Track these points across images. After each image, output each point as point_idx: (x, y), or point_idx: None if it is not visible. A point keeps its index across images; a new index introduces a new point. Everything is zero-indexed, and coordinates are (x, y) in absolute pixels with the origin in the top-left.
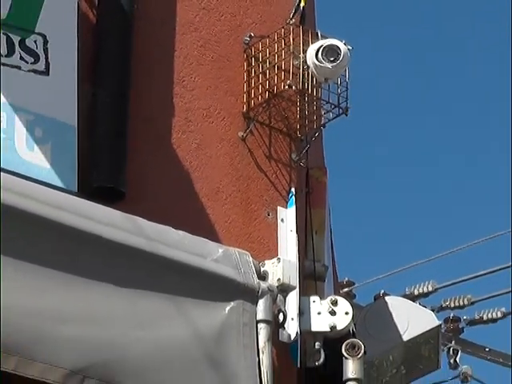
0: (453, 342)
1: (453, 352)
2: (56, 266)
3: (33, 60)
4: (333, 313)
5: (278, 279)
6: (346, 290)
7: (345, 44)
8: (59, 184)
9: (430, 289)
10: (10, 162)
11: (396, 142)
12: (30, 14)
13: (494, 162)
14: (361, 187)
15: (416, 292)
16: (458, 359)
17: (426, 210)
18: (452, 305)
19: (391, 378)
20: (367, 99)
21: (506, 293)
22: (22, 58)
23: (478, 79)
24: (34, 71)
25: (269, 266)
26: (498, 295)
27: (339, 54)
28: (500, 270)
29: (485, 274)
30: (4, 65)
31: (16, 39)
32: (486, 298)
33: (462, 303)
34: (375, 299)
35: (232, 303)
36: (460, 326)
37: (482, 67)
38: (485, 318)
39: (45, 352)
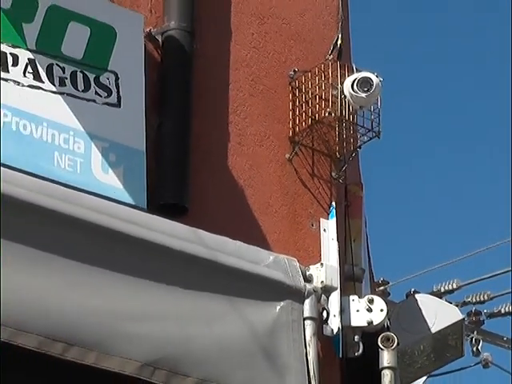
0: (475, 333)
1: (475, 341)
2: (129, 272)
3: (106, 94)
4: (369, 310)
5: (322, 281)
6: (381, 288)
7: (377, 76)
8: (131, 201)
9: (455, 286)
10: (87, 184)
11: (423, 156)
12: (103, 55)
13: None
14: (395, 198)
15: (442, 289)
16: (479, 348)
17: (448, 215)
18: (474, 300)
19: (422, 365)
20: (397, 122)
21: None
22: (96, 92)
23: None
24: (108, 104)
25: (313, 270)
26: None
27: (372, 85)
28: None
29: (502, 272)
30: (81, 98)
31: (91, 76)
32: (503, 294)
33: (482, 299)
34: (407, 296)
35: (282, 303)
36: (481, 319)
37: None
38: (502, 311)
39: (121, 347)
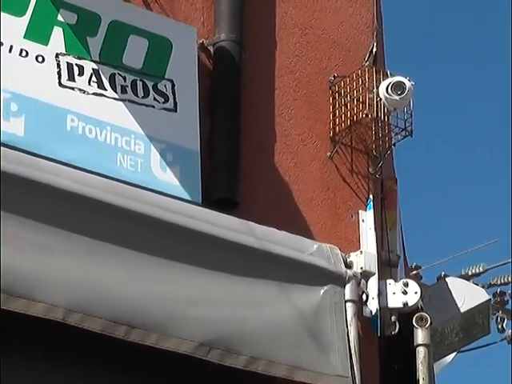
0: (500, 312)
1: (500, 320)
2: (186, 261)
3: (163, 100)
4: (405, 292)
5: (361, 267)
6: (414, 272)
7: (409, 80)
8: (187, 197)
9: (481, 270)
10: (147, 182)
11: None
12: (161, 64)
13: None
14: (426, 190)
15: (470, 273)
16: (504, 325)
17: (475, 202)
18: (499, 282)
19: (451, 342)
20: (430, 122)
21: None
22: (155, 99)
23: None
24: (165, 109)
25: (353, 257)
26: None
27: (405, 89)
28: None
29: None
30: (141, 104)
31: (150, 84)
32: None
33: (506, 280)
34: (437, 280)
35: (325, 287)
36: (505, 299)
37: None
38: None
39: (179, 329)
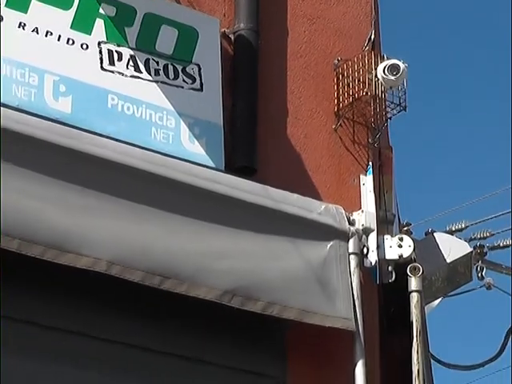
0: (480, 262)
1: (480, 269)
2: (212, 221)
3: (191, 81)
4: (400, 246)
5: (362, 224)
6: (405, 228)
7: (403, 62)
8: (212, 165)
9: (463, 226)
10: (177, 152)
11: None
12: (188, 50)
13: None
14: (419, 158)
15: (453, 228)
16: (483, 274)
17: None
18: (478, 236)
19: (438, 289)
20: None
21: None
22: (184, 80)
23: None
24: (192, 89)
25: (355, 215)
26: (510, 229)
27: (399, 70)
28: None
29: (501, 214)
30: (172, 85)
31: (179, 68)
32: (502, 231)
33: (485, 235)
34: (426, 235)
35: (331, 242)
36: (484, 251)
37: None
38: (501, 244)
39: (206, 279)
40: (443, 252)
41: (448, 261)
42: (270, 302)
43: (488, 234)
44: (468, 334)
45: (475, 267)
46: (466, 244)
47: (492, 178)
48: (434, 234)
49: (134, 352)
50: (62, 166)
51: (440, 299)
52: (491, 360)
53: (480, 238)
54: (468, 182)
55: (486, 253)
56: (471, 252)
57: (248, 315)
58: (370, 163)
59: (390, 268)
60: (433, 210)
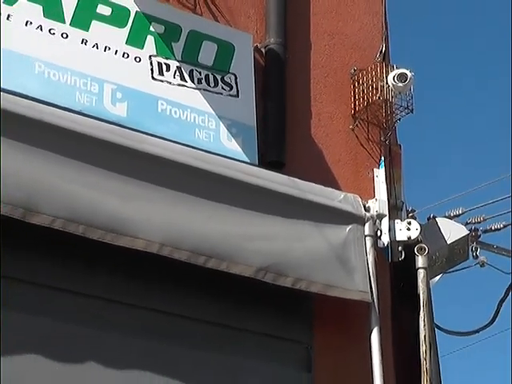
0: (474, 243)
1: (474, 249)
2: (248, 208)
3: (229, 89)
4: (408, 229)
5: (376, 211)
6: (411, 214)
7: (410, 71)
8: (247, 160)
9: (460, 212)
10: (217, 149)
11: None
12: (226, 62)
13: None
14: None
15: (452, 214)
16: (478, 253)
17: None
18: (473, 221)
19: (439, 266)
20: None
21: (506, 212)
22: (223, 87)
23: None
24: (230, 95)
25: (370, 203)
26: (501, 215)
27: (407, 78)
28: (502, 199)
29: (492, 202)
30: (212, 92)
31: (219, 77)
32: (493, 216)
33: (479, 220)
34: (428, 220)
35: (350, 226)
36: (478, 234)
37: None
38: (493, 228)
39: (243, 258)
40: (444, 234)
41: (448, 242)
42: (298, 278)
43: (482, 219)
44: (464, 305)
45: (470, 248)
46: (463, 227)
47: (485, 169)
48: (436, 219)
49: (177, 320)
50: (119, 162)
51: (440, 275)
52: (485, 327)
53: (475, 223)
54: (464, 173)
55: (480, 235)
56: (467, 234)
57: (279, 289)
58: (382, 158)
59: (399, 248)
60: (434, 198)
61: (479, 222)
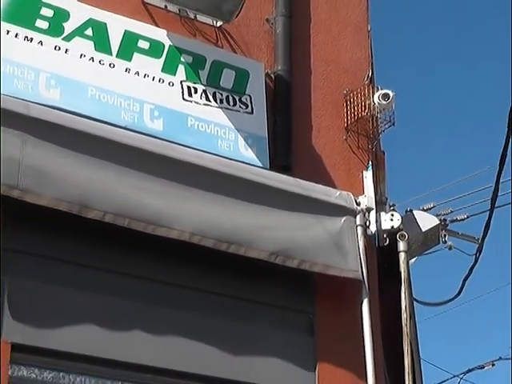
0: (443, 231)
1: (443, 236)
2: (261, 203)
3: (245, 107)
4: (391, 219)
5: (365, 205)
6: (392, 208)
7: (392, 91)
8: (260, 165)
9: (432, 206)
10: (236, 156)
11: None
12: (243, 85)
13: None
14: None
15: (425, 207)
16: (446, 239)
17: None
18: (442, 213)
19: (415, 249)
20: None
21: (469, 206)
22: (240, 106)
23: None
24: (246, 112)
25: (361, 198)
26: (465, 207)
27: (389, 97)
28: (466, 195)
29: (460, 197)
30: (232, 110)
31: (237, 98)
32: (459, 209)
33: (447, 212)
34: (406, 212)
35: (344, 217)
36: (447, 223)
37: None
38: (458, 218)
39: (259, 244)
40: (419, 224)
41: (423, 230)
42: (303, 260)
43: (449, 211)
44: (436, 281)
45: (441, 234)
46: (435, 218)
47: (451, 171)
48: (413, 212)
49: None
50: (157, 167)
51: (416, 257)
52: (452, 299)
53: (444, 214)
54: (435, 174)
55: (448, 224)
56: (438, 224)
57: (287, 269)
58: (370, 162)
59: (384, 235)
60: (411, 195)
61: (447, 214)
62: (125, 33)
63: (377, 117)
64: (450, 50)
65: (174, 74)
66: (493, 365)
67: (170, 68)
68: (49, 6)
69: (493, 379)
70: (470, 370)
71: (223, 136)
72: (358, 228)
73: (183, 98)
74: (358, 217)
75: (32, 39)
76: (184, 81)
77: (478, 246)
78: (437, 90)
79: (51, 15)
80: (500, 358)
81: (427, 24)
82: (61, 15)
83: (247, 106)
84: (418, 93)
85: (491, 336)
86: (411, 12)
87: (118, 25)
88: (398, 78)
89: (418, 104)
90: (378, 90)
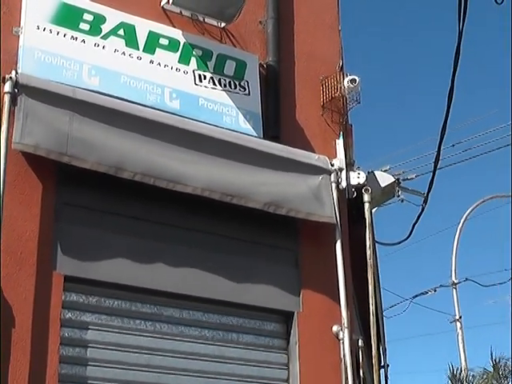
0: (397, 187)
1: (397, 191)
2: (255, 164)
3: (243, 90)
4: (358, 177)
5: (338, 166)
6: (358, 166)
7: (358, 76)
8: (255, 135)
9: (388, 168)
10: (237, 128)
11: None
12: (242, 73)
13: None
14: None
15: (383, 169)
16: (399, 193)
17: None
18: (397, 173)
19: (376, 201)
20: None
21: (417, 167)
22: (239, 89)
23: None
24: (244, 94)
25: (334, 161)
26: (414, 169)
27: (356, 81)
28: (415, 159)
29: (410, 160)
30: (233, 92)
31: (237, 83)
32: (410, 170)
33: (400, 173)
34: (369, 172)
35: (322, 175)
36: (400, 181)
37: None
38: (408, 178)
39: (255, 196)
40: (379, 181)
41: (382, 186)
42: (290, 209)
43: (402, 172)
44: (391, 226)
45: (395, 190)
46: (391, 177)
47: (404, 137)
48: (374, 172)
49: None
50: (176, 137)
51: (377, 208)
52: (403, 240)
53: (398, 174)
54: (391, 141)
55: (401, 182)
56: (393, 181)
57: (278, 216)
58: (341, 133)
59: (353, 189)
60: (373, 158)
61: (400, 174)
62: (149, 33)
63: (346, 97)
64: (403, 43)
65: (188, 64)
66: (435, 291)
67: (184, 60)
68: (89, 12)
69: (435, 303)
70: (416, 296)
71: (227, 113)
72: (333, 184)
73: (195, 83)
74: (332, 175)
75: (77, 38)
76: (196, 70)
77: (423, 198)
78: (392, 75)
79: (91, 19)
80: (441, 286)
81: (386, 25)
82: (99, 19)
83: (245, 89)
84: (381, 77)
85: (434, 268)
86: (374, 15)
87: (143, 26)
88: (365, 65)
89: (379, 88)
90: (347, 76)
